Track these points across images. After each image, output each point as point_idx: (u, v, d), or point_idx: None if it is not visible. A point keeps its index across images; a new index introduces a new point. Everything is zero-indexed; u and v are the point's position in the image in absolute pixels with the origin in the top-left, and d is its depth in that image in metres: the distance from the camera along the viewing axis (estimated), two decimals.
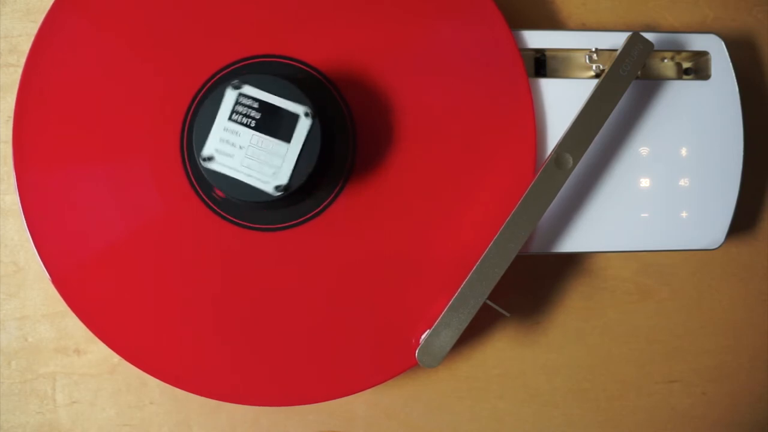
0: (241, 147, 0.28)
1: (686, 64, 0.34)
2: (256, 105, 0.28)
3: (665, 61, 0.34)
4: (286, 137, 0.28)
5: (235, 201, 0.29)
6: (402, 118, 0.32)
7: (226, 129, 0.28)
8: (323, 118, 0.29)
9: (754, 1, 0.38)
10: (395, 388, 0.36)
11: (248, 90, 0.28)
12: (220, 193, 0.30)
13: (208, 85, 0.31)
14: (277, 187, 0.28)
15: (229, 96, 0.28)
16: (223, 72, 0.31)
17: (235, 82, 0.28)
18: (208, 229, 0.31)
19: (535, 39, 0.33)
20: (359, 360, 0.31)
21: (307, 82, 0.31)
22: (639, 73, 0.32)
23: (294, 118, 0.28)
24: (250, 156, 0.28)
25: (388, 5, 0.32)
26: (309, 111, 0.28)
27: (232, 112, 0.28)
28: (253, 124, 0.28)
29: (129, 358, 0.31)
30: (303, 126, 0.28)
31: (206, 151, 0.28)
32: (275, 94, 0.28)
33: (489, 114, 0.32)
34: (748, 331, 0.37)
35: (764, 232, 0.38)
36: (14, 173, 0.31)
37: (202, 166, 0.28)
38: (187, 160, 0.31)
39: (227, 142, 0.28)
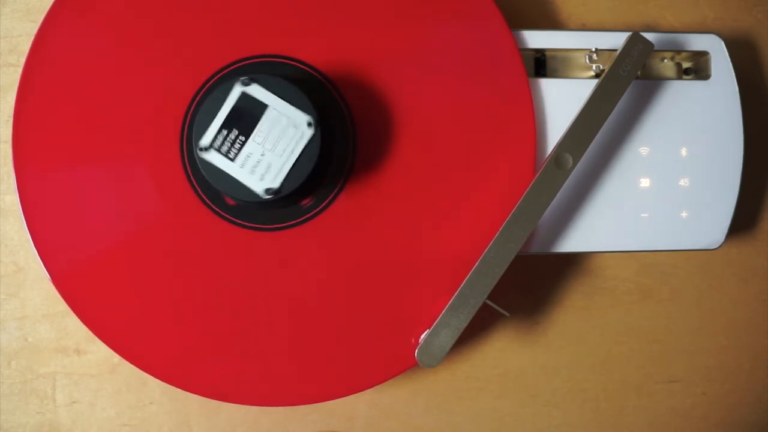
0: (239, 145, 0.28)
1: (686, 64, 0.34)
2: (261, 105, 0.28)
3: (665, 61, 0.34)
4: (286, 143, 0.28)
5: (225, 196, 0.29)
6: (402, 118, 0.32)
7: (228, 123, 0.28)
8: (325, 129, 0.29)
9: (754, 1, 0.38)
10: (395, 388, 0.36)
11: (256, 89, 0.28)
12: (210, 185, 0.30)
13: (208, 85, 0.31)
14: (268, 190, 0.28)
15: (236, 92, 0.28)
16: (223, 72, 0.31)
17: (245, 79, 0.28)
18: (207, 228, 0.31)
19: (535, 39, 0.33)
20: (359, 360, 0.31)
21: (314, 89, 0.31)
22: (639, 73, 0.32)
23: (297, 125, 0.28)
24: (247, 154, 0.28)
25: (388, 5, 0.32)
26: (312, 121, 0.28)
27: (237, 107, 0.28)
28: (255, 124, 0.28)
29: (129, 358, 0.31)
30: (304, 135, 0.28)
31: (204, 141, 0.28)
32: (282, 98, 0.28)
33: (489, 114, 0.32)
34: (748, 331, 0.37)
35: (764, 232, 0.38)
36: (14, 173, 0.31)
37: (198, 156, 0.28)
38: (187, 160, 0.31)
39: (227, 136, 0.28)
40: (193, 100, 0.31)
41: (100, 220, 0.31)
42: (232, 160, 0.28)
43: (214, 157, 0.28)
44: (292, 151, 0.28)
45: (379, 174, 0.32)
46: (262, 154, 0.28)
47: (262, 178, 0.28)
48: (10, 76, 0.35)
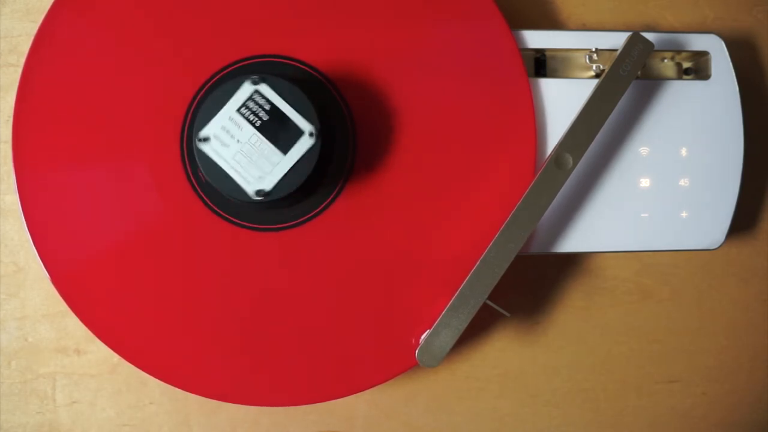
0: (238, 141, 0.28)
1: (686, 64, 0.34)
2: (267, 107, 0.28)
3: (665, 61, 0.34)
4: (284, 148, 0.28)
5: (216, 191, 0.29)
6: (402, 118, 0.32)
7: (230, 119, 0.28)
8: (326, 138, 0.29)
9: (754, 1, 0.38)
10: (395, 388, 0.36)
11: (264, 89, 0.28)
12: (202, 177, 0.30)
13: (208, 85, 0.31)
14: (258, 192, 0.28)
15: (245, 89, 0.28)
16: (223, 72, 0.31)
17: (255, 77, 0.28)
18: (207, 229, 0.31)
19: (535, 39, 0.33)
20: (359, 360, 0.31)
21: (314, 89, 0.31)
22: (639, 73, 0.32)
23: (298, 132, 0.28)
24: (244, 153, 0.28)
25: (388, 5, 0.32)
26: (314, 131, 0.28)
27: (243, 105, 0.28)
28: (257, 124, 0.28)
29: (129, 358, 0.31)
30: (304, 143, 0.28)
31: (204, 132, 0.28)
32: (287, 102, 0.28)
33: (489, 114, 0.32)
34: (748, 331, 0.37)
35: (764, 232, 0.38)
36: (14, 173, 0.31)
37: (196, 146, 0.28)
38: (187, 161, 0.31)
39: (227, 131, 0.28)
40: (193, 100, 0.31)
41: (100, 220, 0.31)
42: (228, 155, 0.28)
43: (211, 150, 0.28)
44: (290, 157, 0.28)
45: (379, 174, 0.32)
46: (260, 156, 0.28)
47: (255, 179, 0.28)
48: (10, 76, 0.35)
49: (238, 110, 0.28)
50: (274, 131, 0.28)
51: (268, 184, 0.28)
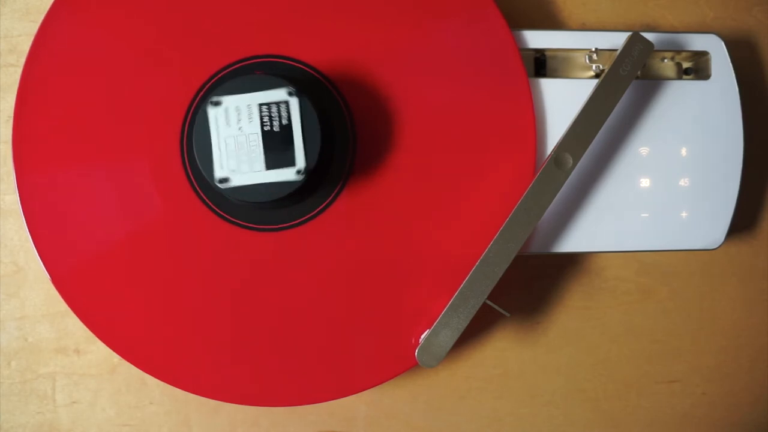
0: (240, 129, 0.28)
1: (686, 64, 0.34)
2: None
3: (665, 61, 0.34)
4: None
5: (265, 204, 0.29)
6: (402, 117, 0.32)
7: (226, 144, 0.28)
8: (309, 93, 0.28)
9: (754, 0, 0.38)
10: (395, 388, 0.36)
11: (229, 100, 0.28)
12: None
13: (209, 84, 0.31)
14: (299, 172, 0.28)
15: (213, 113, 0.28)
16: (223, 72, 0.31)
17: (213, 99, 0.28)
18: (207, 229, 0.31)
19: (535, 39, 0.33)
20: (359, 360, 0.31)
21: (314, 89, 0.31)
22: (639, 73, 0.32)
23: (283, 104, 0.28)
24: (237, 142, 0.28)
25: (388, 5, 0.32)
26: (291, 90, 0.28)
27: (268, 104, 0.28)
28: (266, 128, 0.28)
29: (129, 358, 0.31)
30: (293, 106, 0.28)
31: (218, 174, 0.28)
32: (254, 91, 0.28)
33: (489, 114, 0.32)
34: (748, 331, 0.37)
35: (764, 232, 0.38)
36: (14, 173, 0.31)
37: (222, 190, 0.28)
38: (187, 160, 0.31)
39: (232, 155, 0.28)
40: (193, 100, 0.31)
41: (100, 220, 0.31)
42: (223, 133, 0.28)
43: (235, 181, 0.28)
44: (266, 175, 0.28)
45: (379, 174, 0.32)
46: (246, 154, 0.28)
47: (227, 170, 0.28)
48: (10, 76, 0.35)
49: (261, 104, 0.28)
50: (273, 144, 0.28)
51: (300, 161, 0.28)
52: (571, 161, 0.31)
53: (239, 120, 0.28)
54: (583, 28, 0.37)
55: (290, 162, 0.28)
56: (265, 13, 0.32)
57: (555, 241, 0.33)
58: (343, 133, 0.31)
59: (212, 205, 0.31)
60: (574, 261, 0.37)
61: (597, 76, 0.33)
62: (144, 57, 0.31)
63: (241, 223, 0.31)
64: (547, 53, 0.34)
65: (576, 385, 0.36)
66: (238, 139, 0.28)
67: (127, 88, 0.31)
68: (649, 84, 0.33)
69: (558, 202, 0.33)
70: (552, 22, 0.37)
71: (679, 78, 0.34)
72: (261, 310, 0.31)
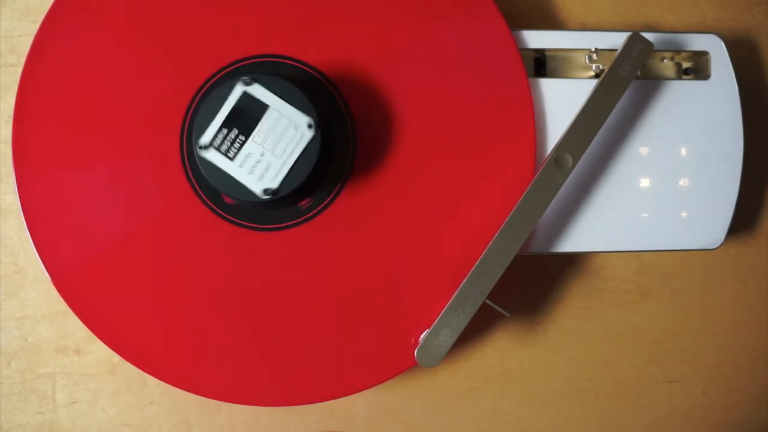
0: (239, 144, 0.28)
1: (686, 64, 0.34)
2: (262, 105, 0.28)
3: (665, 61, 0.34)
4: (286, 144, 0.28)
5: (224, 196, 0.29)
6: (402, 117, 0.32)
7: (228, 123, 0.28)
8: (325, 131, 0.29)
9: (754, 1, 0.38)
10: (395, 387, 0.36)
11: (257, 89, 0.28)
12: (208, 184, 0.30)
13: (208, 85, 0.31)
14: (266, 190, 0.28)
15: (238, 91, 0.28)
16: (223, 72, 0.31)
17: (246, 78, 0.28)
18: (207, 228, 0.31)
19: (535, 39, 0.33)
20: (359, 360, 0.31)
21: (314, 89, 0.31)
22: (639, 73, 0.32)
23: (297, 126, 0.28)
24: (246, 154, 0.28)
25: (388, 5, 0.32)
26: (313, 123, 0.28)
27: (238, 107, 0.28)
28: (255, 124, 0.28)
29: (129, 358, 0.31)
30: (304, 136, 0.28)
31: (204, 139, 0.28)
32: (283, 99, 0.28)
33: (489, 114, 0.32)
34: (748, 331, 0.37)
35: (764, 232, 0.38)
36: (14, 173, 0.31)
37: (198, 154, 0.28)
38: (187, 161, 0.31)
39: (227, 136, 0.28)
40: (193, 100, 0.31)
41: (100, 220, 0.31)
42: (231, 159, 0.28)
43: (213, 156, 0.28)
44: (292, 152, 0.28)
45: (379, 174, 0.32)
46: (262, 154, 0.28)
47: (260, 178, 0.28)
48: (10, 76, 0.35)
49: (235, 113, 0.28)
50: (272, 129, 0.28)
51: (275, 182, 0.28)
52: (570, 161, 0.31)
53: (232, 139, 0.28)
54: (583, 28, 0.37)
55: (265, 178, 0.28)
56: (266, 13, 0.32)
57: (555, 241, 0.33)
58: (343, 133, 0.31)
59: (212, 205, 0.31)
60: (574, 261, 0.37)
61: (597, 76, 0.33)
62: (144, 57, 0.31)
63: (241, 223, 0.31)
64: (547, 53, 0.34)
65: (576, 385, 0.36)
66: (246, 151, 0.28)
67: (127, 88, 0.31)
68: (649, 84, 0.33)
69: (558, 202, 0.33)
70: (552, 22, 0.37)
71: (679, 78, 0.34)
72: (261, 310, 0.31)
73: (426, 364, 0.30)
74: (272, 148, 0.28)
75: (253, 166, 0.28)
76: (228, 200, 0.31)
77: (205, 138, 0.28)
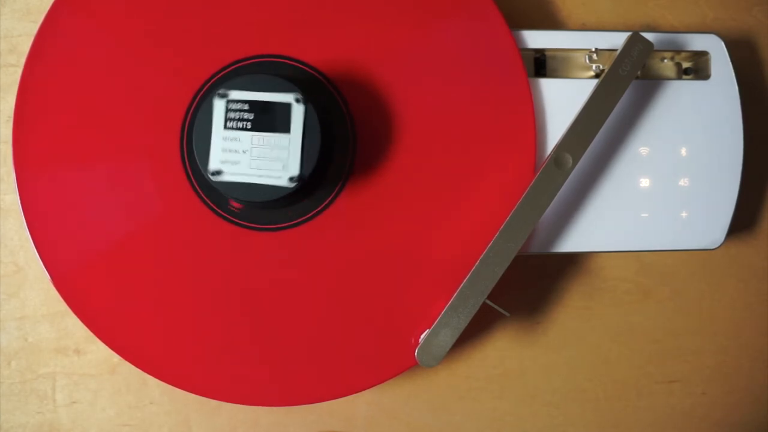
0: (244, 151, 0.28)
1: (686, 64, 0.34)
2: (247, 107, 0.28)
3: (665, 61, 0.34)
4: (286, 129, 0.28)
5: (254, 204, 0.29)
6: (402, 117, 0.32)
7: (225, 138, 0.28)
8: (315, 101, 0.29)
9: (754, 1, 0.38)
10: (395, 387, 0.36)
11: (236, 94, 0.28)
12: (236, 205, 0.31)
13: (209, 84, 0.31)
14: (291, 179, 0.28)
15: (219, 105, 0.28)
16: (223, 72, 0.31)
17: (221, 91, 0.28)
18: (207, 229, 0.31)
19: (535, 39, 0.33)
20: (359, 360, 0.31)
21: (314, 89, 0.31)
22: (639, 73, 0.32)
23: (287, 108, 0.28)
24: (255, 157, 0.28)
25: (388, 5, 0.32)
26: (299, 97, 0.28)
27: (226, 119, 0.28)
28: (250, 126, 0.28)
29: (129, 358, 0.31)
30: (297, 113, 0.28)
31: (212, 166, 0.28)
32: (263, 91, 0.28)
33: (489, 114, 0.32)
34: (748, 331, 0.37)
35: (764, 232, 0.38)
36: (14, 173, 0.31)
37: (213, 182, 0.28)
38: (186, 160, 0.31)
39: (230, 150, 0.28)
40: (193, 99, 0.31)
41: (101, 220, 0.31)
42: (245, 169, 0.28)
43: (228, 176, 0.28)
44: (294, 134, 0.28)
45: (379, 174, 0.32)
46: (270, 150, 0.28)
47: (281, 172, 0.28)
48: (10, 76, 0.35)
49: (226, 126, 0.28)
50: (267, 122, 0.28)
51: (295, 168, 0.28)
52: (570, 161, 0.31)
53: (236, 150, 0.28)
54: (583, 28, 0.37)
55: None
56: (266, 13, 0.32)
57: (555, 241, 0.33)
58: (343, 133, 0.31)
59: (212, 205, 0.31)
60: (574, 261, 0.37)
61: (597, 76, 0.33)
62: (144, 57, 0.31)
63: (241, 222, 0.31)
64: (547, 53, 0.34)
65: (576, 385, 0.36)
66: (254, 155, 0.28)
67: (127, 88, 0.31)
68: (649, 84, 0.33)
69: (558, 202, 0.33)
70: (552, 22, 0.37)
71: (679, 78, 0.34)
72: (261, 310, 0.31)
73: (426, 364, 0.30)
74: (275, 141, 0.28)
75: (268, 165, 0.28)
76: (236, 204, 0.31)
77: (213, 164, 0.28)
